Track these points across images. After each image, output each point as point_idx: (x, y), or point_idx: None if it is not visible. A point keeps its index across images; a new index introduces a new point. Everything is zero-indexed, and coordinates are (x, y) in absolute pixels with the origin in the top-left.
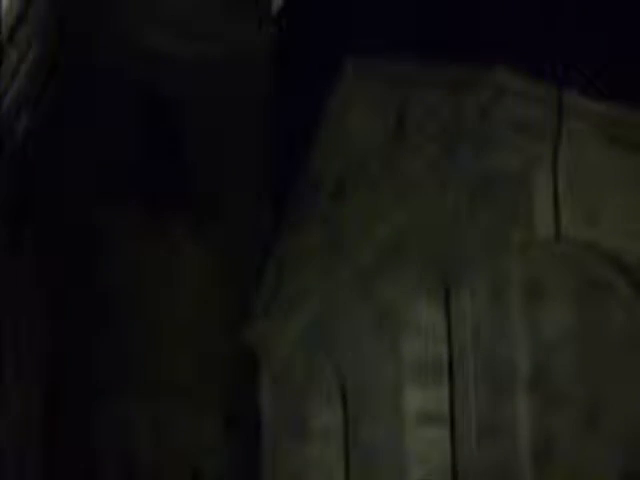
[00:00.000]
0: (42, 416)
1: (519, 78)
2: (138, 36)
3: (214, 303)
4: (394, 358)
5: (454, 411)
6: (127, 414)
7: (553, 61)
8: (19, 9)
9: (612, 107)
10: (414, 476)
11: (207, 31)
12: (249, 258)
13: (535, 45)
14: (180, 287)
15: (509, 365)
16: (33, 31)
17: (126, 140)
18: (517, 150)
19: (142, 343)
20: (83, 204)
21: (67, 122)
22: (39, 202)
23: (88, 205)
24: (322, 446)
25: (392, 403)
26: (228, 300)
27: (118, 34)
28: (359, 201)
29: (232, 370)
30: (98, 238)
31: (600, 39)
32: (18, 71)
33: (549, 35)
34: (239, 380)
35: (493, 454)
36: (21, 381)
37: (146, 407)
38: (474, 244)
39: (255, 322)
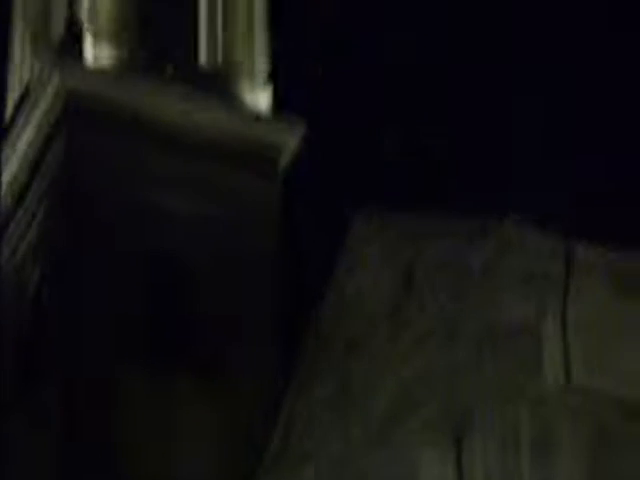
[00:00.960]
0: None
1: (527, 229)
2: (144, 195)
3: (220, 458)
4: None
5: None
6: None
7: (561, 212)
8: (27, 173)
9: (619, 256)
10: None
11: (212, 189)
12: (257, 413)
13: (543, 196)
14: (185, 442)
15: None
16: (42, 192)
17: (133, 295)
18: (526, 300)
19: None
20: (95, 357)
21: (76, 277)
22: (52, 352)
23: (100, 358)
24: None
25: None
26: (234, 455)
27: (124, 193)
28: (370, 355)
29: None
30: (111, 391)
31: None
32: (29, 228)
33: (557, 186)
34: None
35: None
36: None
37: None
38: (484, 395)
39: (262, 478)
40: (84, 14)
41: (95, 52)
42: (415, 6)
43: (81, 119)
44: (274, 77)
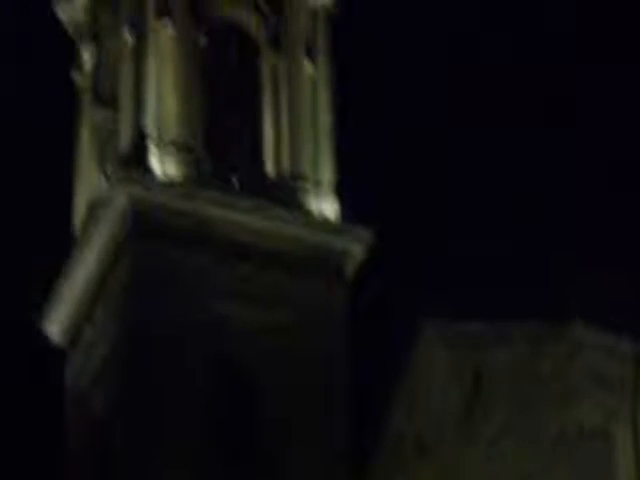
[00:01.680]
0: None
1: (596, 331)
2: (211, 307)
3: None
4: None
5: None
6: None
7: (630, 313)
8: (93, 292)
9: None
10: None
11: (279, 297)
12: None
13: (611, 297)
14: None
15: None
16: (109, 310)
17: (200, 404)
18: (597, 405)
19: None
20: (163, 468)
21: (144, 394)
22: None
23: (169, 471)
24: None
25: None
26: None
27: (191, 307)
28: (440, 461)
29: None
30: None
31: None
32: (95, 350)
33: (625, 286)
34: None
35: None
36: None
37: None
38: None
39: None
40: (150, 127)
41: (161, 165)
42: None
43: (148, 232)
44: (340, 185)
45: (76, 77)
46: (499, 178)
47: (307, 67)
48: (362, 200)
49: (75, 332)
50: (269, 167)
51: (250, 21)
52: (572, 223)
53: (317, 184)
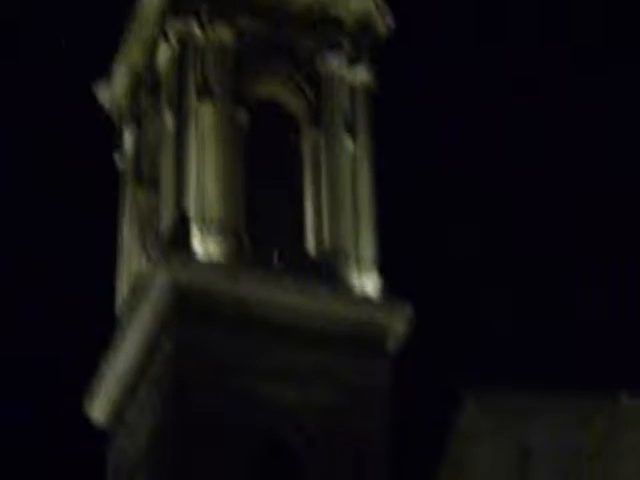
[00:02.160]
0: None
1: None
2: (253, 387)
3: None
4: None
5: None
6: None
7: None
8: (135, 373)
9: None
10: None
11: (321, 375)
12: None
13: None
14: None
15: None
16: (151, 393)
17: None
18: None
19: None
20: None
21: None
22: None
23: None
24: None
25: None
26: None
27: (233, 388)
28: None
29: None
30: None
31: None
32: (139, 431)
33: None
34: None
35: None
36: None
37: None
38: None
39: None
40: (191, 208)
41: (203, 245)
42: None
43: (190, 313)
44: (380, 261)
45: (117, 159)
46: (529, 253)
47: (347, 143)
48: (402, 274)
49: (119, 413)
50: (310, 244)
51: (290, 99)
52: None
53: (358, 260)
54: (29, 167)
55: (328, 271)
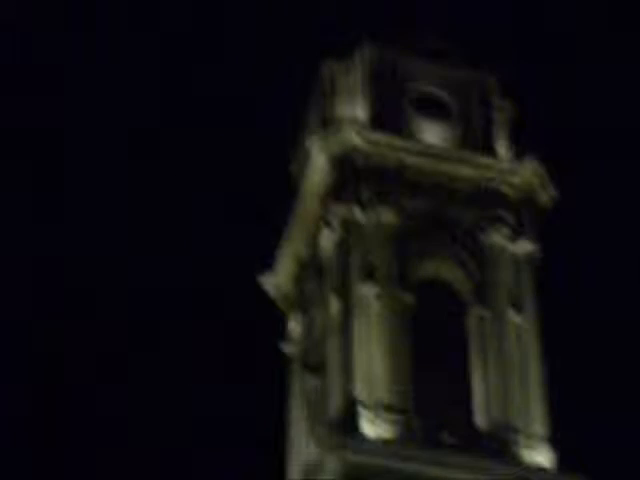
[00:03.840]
0: None
1: None
2: None
3: None
4: None
5: None
6: None
7: None
8: None
9: None
10: None
11: None
12: None
13: None
14: None
15: None
16: None
17: None
18: None
19: None
20: None
21: None
22: None
23: None
24: None
25: None
26: None
27: None
28: None
29: None
30: None
31: None
32: None
33: None
34: None
35: None
36: None
37: None
38: None
39: None
40: (359, 391)
41: (372, 427)
42: None
43: None
44: (554, 434)
45: (284, 347)
46: None
47: (513, 317)
48: (578, 447)
49: None
50: (479, 420)
51: (454, 276)
52: None
53: (529, 436)
54: (196, 359)
55: (498, 446)
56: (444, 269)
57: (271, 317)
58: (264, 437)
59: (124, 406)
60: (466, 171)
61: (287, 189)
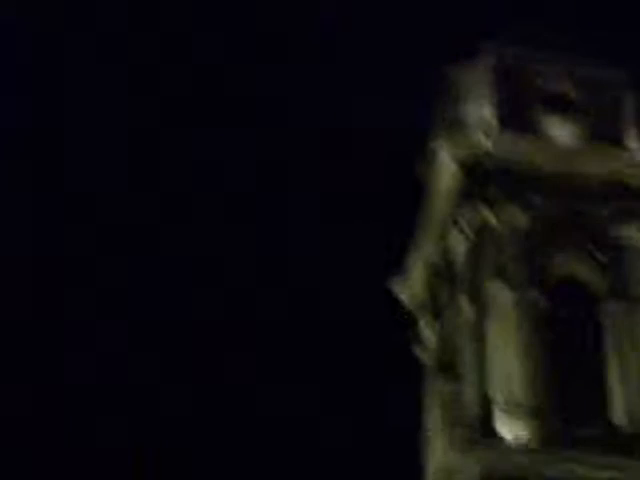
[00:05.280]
0: None
1: None
2: None
3: None
4: None
5: None
6: None
7: None
8: None
9: None
10: None
11: None
12: None
13: None
14: None
15: None
16: None
17: None
18: None
19: None
20: None
21: None
22: None
23: None
24: None
25: None
26: None
27: None
28: None
29: None
30: None
31: None
32: None
33: None
34: None
35: None
36: None
37: None
38: None
39: None
40: (495, 393)
41: (509, 429)
42: None
43: None
44: None
45: (418, 352)
46: None
47: None
48: None
49: None
50: (617, 417)
51: (585, 273)
52: None
53: None
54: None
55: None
56: (577, 267)
57: (401, 322)
58: (400, 442)
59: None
60: (596, 167)
61: (413, 193)
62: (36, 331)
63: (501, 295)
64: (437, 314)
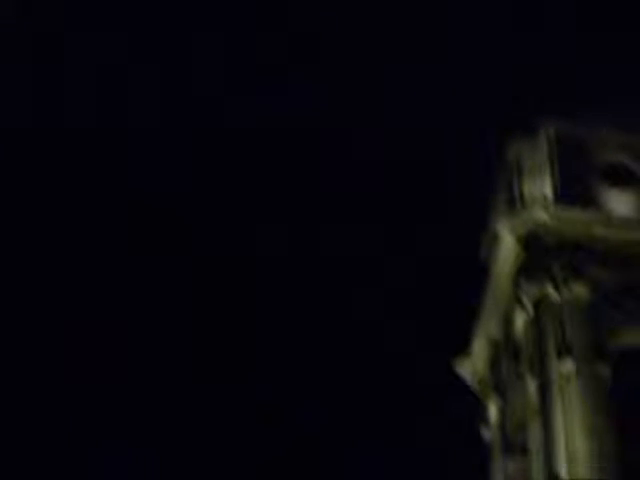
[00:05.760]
0: None
1: None
2: None
3: None
4: None
5: None
6: None
7: None
8: None
9: None
10: None
11: None
12: None
13: None
14: None
15: None
16: None
17: None
18: None
19: None
20: None
21: None
22: None
23: None
24: None
25: None
26: None
27: None
28: None
29: None
30: None
31: None
32: None
33: None
34: None
35: None
36: None
37: None
38: None
39: None
40: (562, 470)
41: None
42: None
43: None
44: None
45: (484, 430)
46: None
47: None
48: None
49: None
50: None
51: None
52: None
53: None
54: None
55: None
56: (638, 338)
57: (466, 402)
58: None
59: None
60: None
61: (477, 274)
62: None
63: (565, 370)
64: (502, 392)
